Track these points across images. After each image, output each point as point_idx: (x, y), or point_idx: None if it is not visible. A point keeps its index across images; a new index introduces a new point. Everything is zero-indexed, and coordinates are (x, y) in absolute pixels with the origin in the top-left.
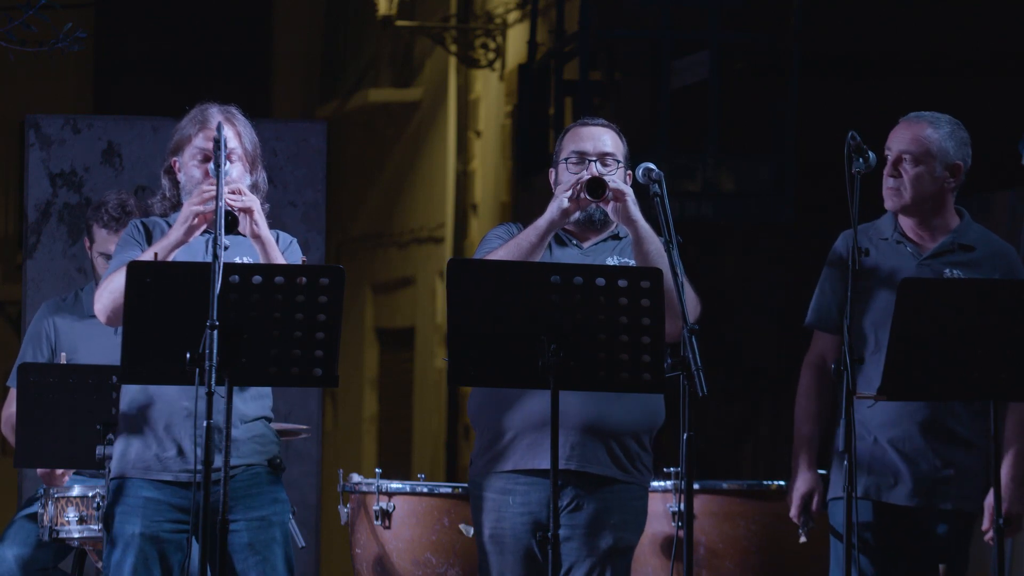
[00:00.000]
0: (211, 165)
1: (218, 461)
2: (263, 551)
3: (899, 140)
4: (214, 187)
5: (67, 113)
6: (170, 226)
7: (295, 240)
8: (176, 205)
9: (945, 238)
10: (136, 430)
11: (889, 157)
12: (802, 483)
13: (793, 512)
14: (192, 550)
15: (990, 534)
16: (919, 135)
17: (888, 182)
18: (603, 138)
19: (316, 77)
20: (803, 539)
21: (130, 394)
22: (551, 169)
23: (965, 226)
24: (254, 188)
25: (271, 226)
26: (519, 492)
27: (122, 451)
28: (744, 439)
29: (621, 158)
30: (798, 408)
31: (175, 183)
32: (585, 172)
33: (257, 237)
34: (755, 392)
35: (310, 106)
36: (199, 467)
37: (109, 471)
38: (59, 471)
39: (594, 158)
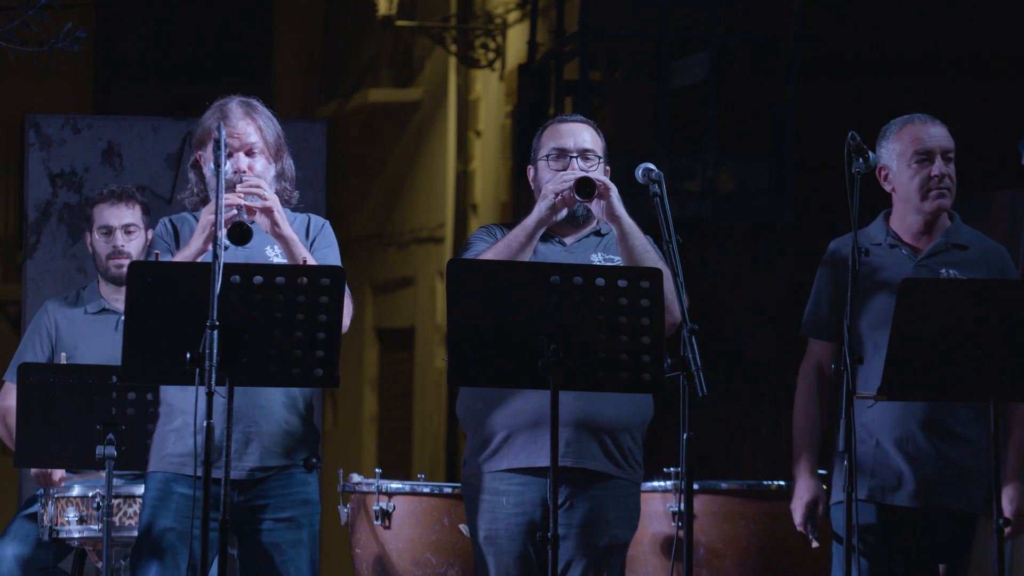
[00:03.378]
0: (212, 165)
1: (255, 460)
2: (288, 551)
3: (936, 138)
4: (230, 196)
5: (67, 113)
6: (198, 221)
7: (327, 223)
8: (205, 199)
9: (939, 239)
10: (173, 426)
11: (933, 157)
12: (805, 491)
13: (798, 521)
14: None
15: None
16: (947, 133)
17: (943, 182)
18: (583, 135)
19: (316, 77)
20: (815, 544)
21: (169, 389)
22: (529, 167)
23: (957, 226)
24: (279, 177)
25: (302, 211)
26: (513, 492)
27: (158, 446)
28: (744, 439)
29: (601, 154)
30: (797, 416)
31: (201, 177)
32: (570, 171)
33: (279, 236)
34: (755, 392)
35: (310, 106)
36: (200, 466)
37: (107, 468)
38: (56, 475)
39: (575, 154)
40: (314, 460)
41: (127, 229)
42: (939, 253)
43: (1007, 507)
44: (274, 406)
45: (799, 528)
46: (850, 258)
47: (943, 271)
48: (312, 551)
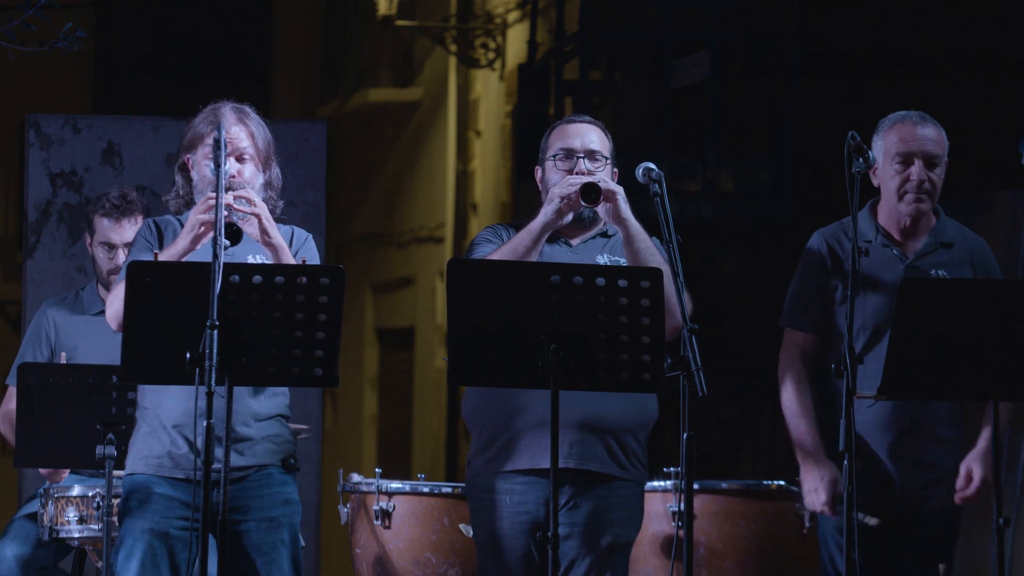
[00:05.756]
0: (212, 165)
1: (232, 460)
2: (270, 552)
3: (921, 142)
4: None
5: (67, 113)
6: (182, 225)
7: (311, 236)
8: (189, 202)
9: (927, 238)
10: (150, 427)
11: (912, 160)
12: (824, 470)
13: (824, 500)
14: (197, 550)
15: (961, 495)
16: (937, 136)
17: (923, 186)
18: (590, 135)
19: (316, 77)
20: (872, 521)
21: (144, 391)
22: (537, 167)
23: (942, 224)
24: (267, 186)
25: (285, 222)
26: (516, 492)
27: (136, 447)
28: (744, 439)
29: (608, 155)
30: (790, 406)
31: (188, 180)
32: (576, 175)
33: (268, 244)
34: (755, 392)
35: (310, 106)
36: (202, 466)
37: (107, 468)
38: (65, 474)
39: (582, 154)
40: (292, 461)
41: (129, 246)
42: (928, 254)
43: (976, 472)
44: (244, 409)
45: (825, 509)
46: (851, 258)
47: (933, 272)
48: (294, 551)
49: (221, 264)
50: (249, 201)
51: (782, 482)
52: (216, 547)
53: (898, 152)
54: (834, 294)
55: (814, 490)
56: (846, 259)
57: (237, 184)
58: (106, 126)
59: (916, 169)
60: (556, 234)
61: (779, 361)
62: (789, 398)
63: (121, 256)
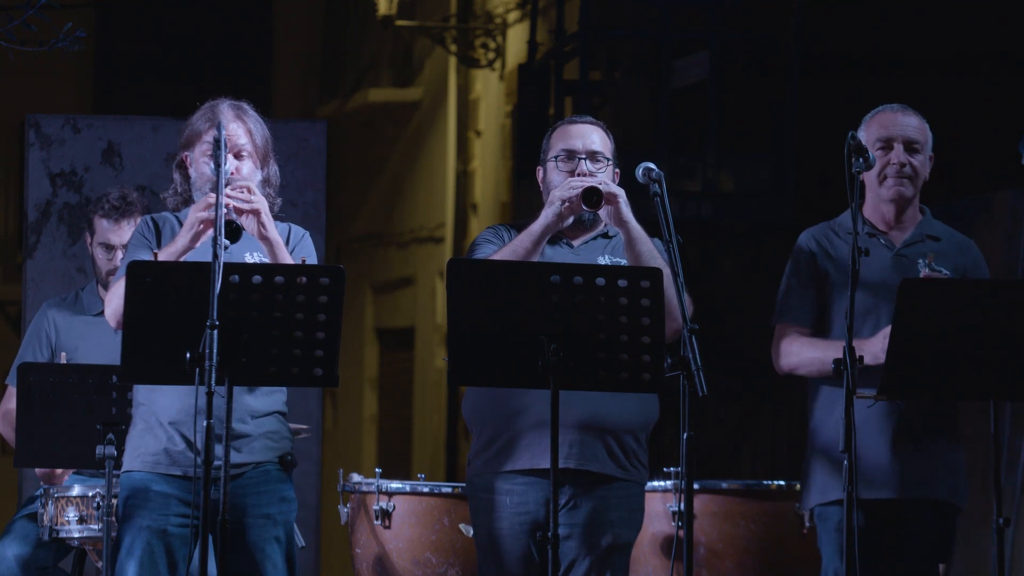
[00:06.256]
0: (212, 164)
1: (231, 457)
2: (265, 548)
3: (901, 127)
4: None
5: (67, 113)
6: (180, 222)
7: (307, 234)
8: (188, 200)
9: (914, 230)
10: (146, 424)
11: (893, 145)
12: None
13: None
14: (196, 547)
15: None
16: (920, 124)
17: (903, 170)
18: (591, 136)
19: (316, 77)
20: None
21: (141, 388)
22: (538, 168)
23: (928, 220)
24: (265, 183)
25: (283, 220)
26: (516, 492)
27: (132, 444)
28: (744, 439)
29: (609, 156)
30: (809, 353)
31: (186, 177)
32: (577, 178)
33: (264, 239)
34: (755, 392)
35: (310, 106)
36: (201, 465)
37: (107, 468)
38: (58, 470)
39: (583, 156)
40: (289, 458)
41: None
42: (915, 243)
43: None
44: (241, 406)
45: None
46: (850, 257)
47: (921, 261)
48: (288, 547)
49: (221, 264)
50: (248, 190)
51: (782, 482)
52: (213, 545)
53: (879, 137)
54: (825, 287)
55: (871, 340)
56: (837, 256)
57: (235, 179)
58: (106, 126)
59: (896, 153)
60: (557, 235)
61: (773, 353)
62: (805, 352)
63: (120, 257)
